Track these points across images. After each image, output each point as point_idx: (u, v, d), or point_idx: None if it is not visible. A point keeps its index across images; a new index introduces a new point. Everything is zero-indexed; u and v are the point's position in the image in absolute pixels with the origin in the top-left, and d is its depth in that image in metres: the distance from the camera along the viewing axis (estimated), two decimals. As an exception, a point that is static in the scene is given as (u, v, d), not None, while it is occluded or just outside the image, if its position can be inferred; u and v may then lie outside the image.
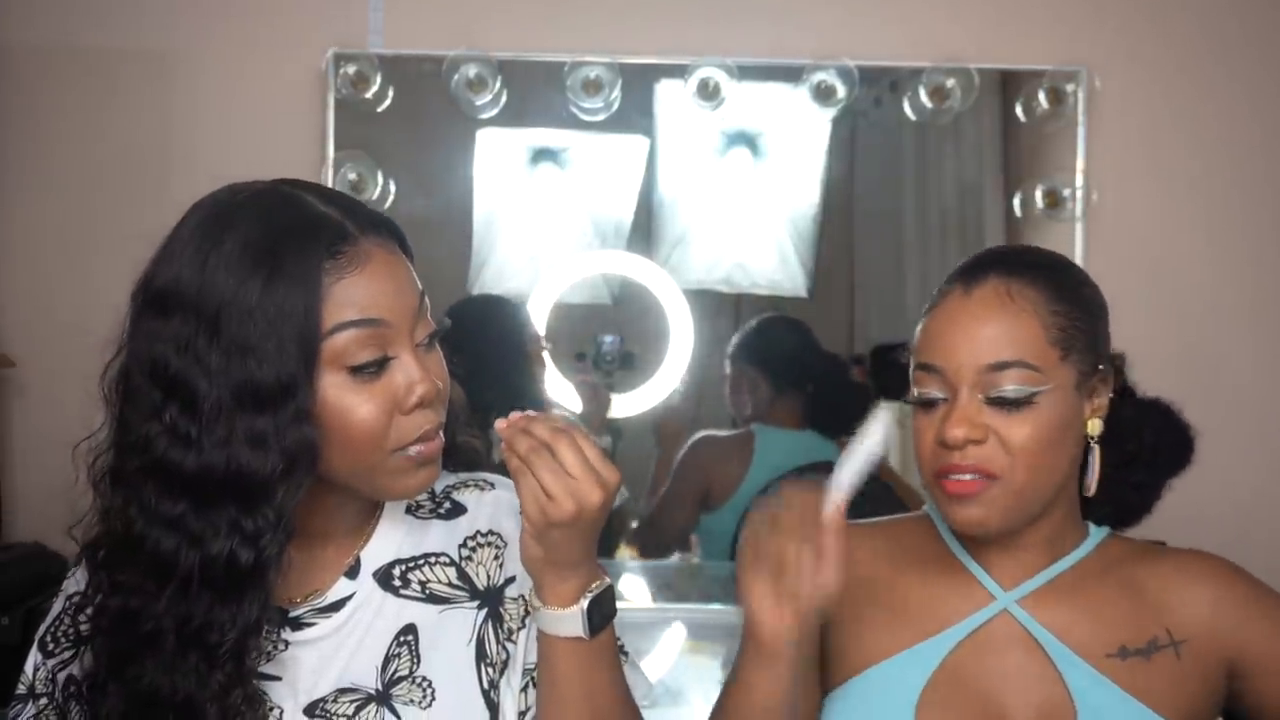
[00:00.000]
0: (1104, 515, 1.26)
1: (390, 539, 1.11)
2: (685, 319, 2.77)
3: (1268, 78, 2.64)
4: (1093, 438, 1.19)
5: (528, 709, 1.08)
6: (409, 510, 1.14)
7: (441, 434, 1.05)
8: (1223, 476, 2.63)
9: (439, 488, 1.16)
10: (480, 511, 1.14)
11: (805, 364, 2.73)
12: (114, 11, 2.58)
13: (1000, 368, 1.12)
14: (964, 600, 1.20)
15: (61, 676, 1.09)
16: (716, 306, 2.81)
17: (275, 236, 0.98)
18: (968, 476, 1.12)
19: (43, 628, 1.12)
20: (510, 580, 1.11)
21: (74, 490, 1.03)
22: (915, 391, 1.16)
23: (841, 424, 2.64)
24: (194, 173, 2.58)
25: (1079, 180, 2.60)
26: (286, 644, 1.07)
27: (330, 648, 1.07)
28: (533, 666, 1.08)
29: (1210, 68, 2.63)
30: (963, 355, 1.13)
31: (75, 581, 1.11)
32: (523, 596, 1.10)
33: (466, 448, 1.19)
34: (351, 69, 2.55)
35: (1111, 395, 1.21)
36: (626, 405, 2.79)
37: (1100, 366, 1.19)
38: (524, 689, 1.09)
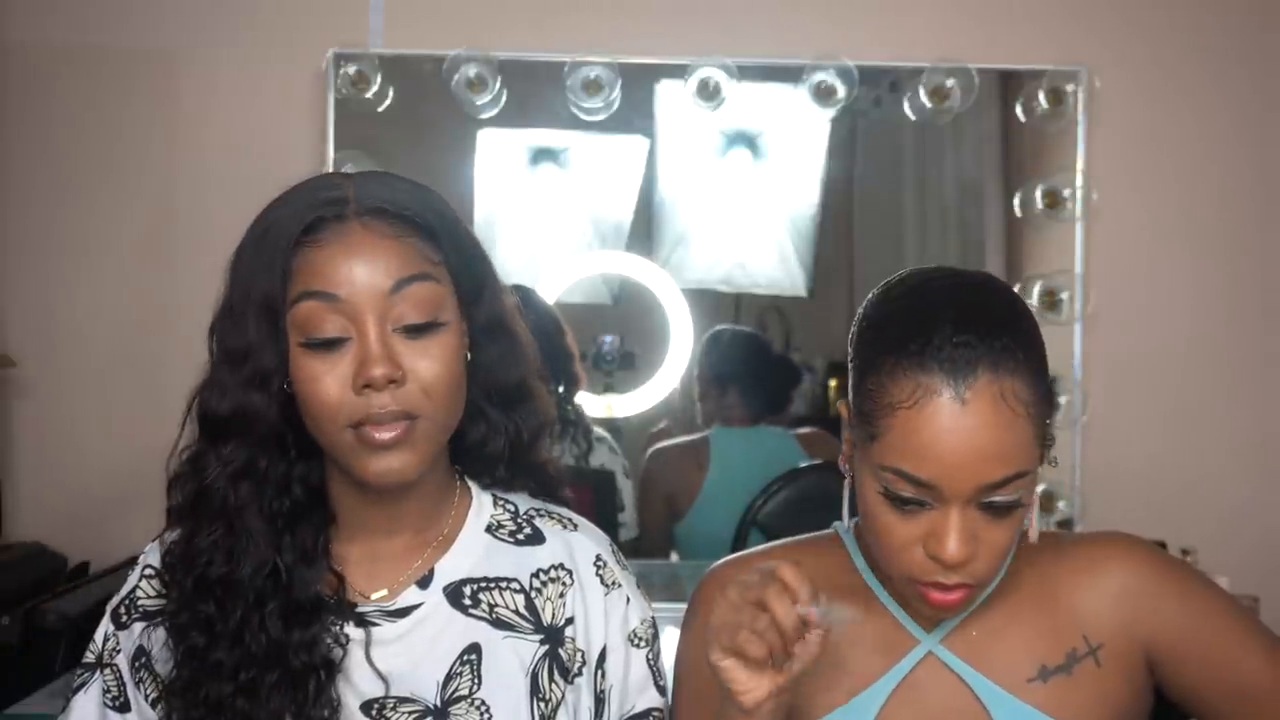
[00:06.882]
0: None
1: (467, 556, 1.12)
2: (685, 319, 2.77)
3: (1267, 78, 2.64)
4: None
5: None
6: (489, 529, 1.14)
7: (406, 424, 1.02)
8: (1222, 472, 2.64)
9: (523, 508, 1.17)
10: (558, 547, 1.15)
11: (739, 358, 2.76)
12: (115, 11, 2.59)
13: (1001, 484, 1.03)
14: (889, 647, 1.15)
15: (129, 646, 1.10)
16: (716, 306, 2.81)
17: (280, 203, 1.05)
18: (955, 594, 1.06)
19: (116, 599, 1.14)
20: (569, 621, 1.12)
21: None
22: (885, 488, 1.05)
23: (781, 411, 2.75)
24: (194, 172, 2.60)
25: (1079, 180, 2.60)
26: (348, 638, 1.08)
27: (390, 653, 1.08)
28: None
29: (1210, 68, 2.63)
30: (961, 475, 1.02)
31: (152, 554, 1.13)
32: (580, 651, 1.12)
33: (544, 467, 1.19)
34: (351, 69, 2.55)
35: None
36: (626, 405, 2.79)
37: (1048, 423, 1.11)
38: None
